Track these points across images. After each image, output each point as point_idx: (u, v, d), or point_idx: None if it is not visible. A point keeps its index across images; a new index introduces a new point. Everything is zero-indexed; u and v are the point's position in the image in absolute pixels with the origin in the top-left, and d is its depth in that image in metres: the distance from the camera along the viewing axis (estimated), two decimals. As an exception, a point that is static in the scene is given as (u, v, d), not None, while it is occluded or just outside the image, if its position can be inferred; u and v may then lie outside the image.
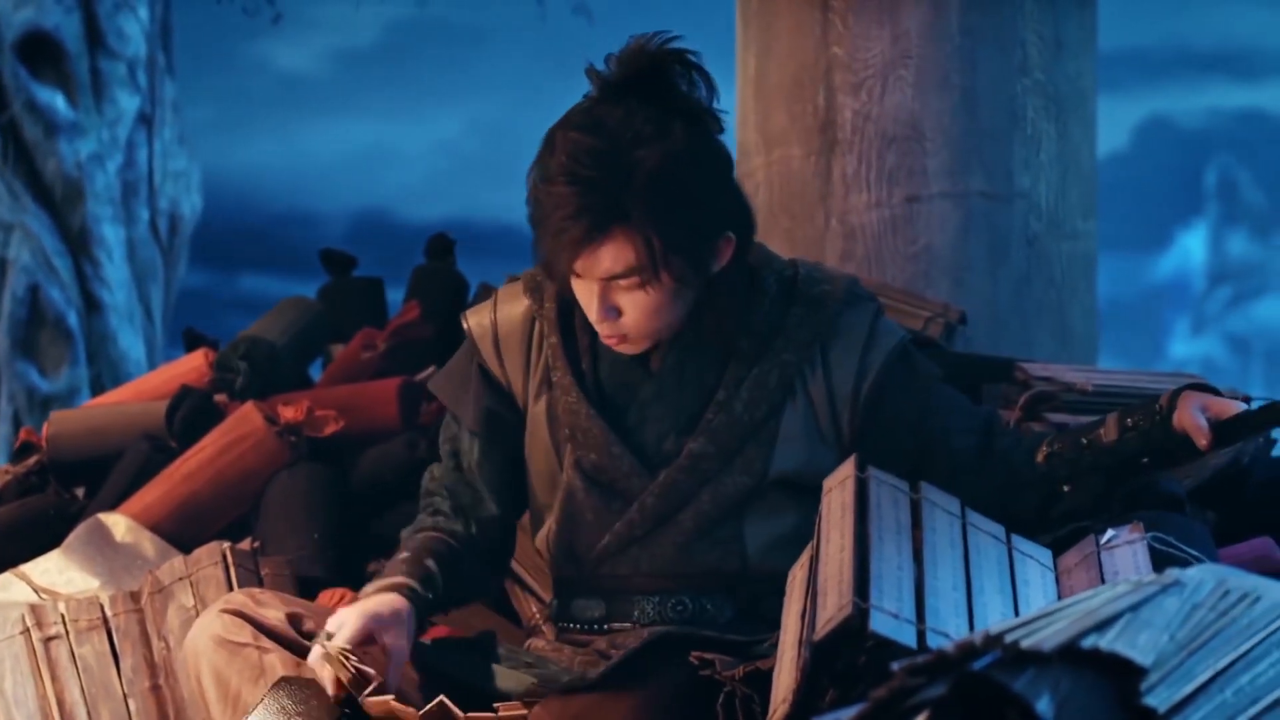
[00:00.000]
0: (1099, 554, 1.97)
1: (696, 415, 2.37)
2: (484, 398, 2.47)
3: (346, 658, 2.14)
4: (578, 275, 2.29)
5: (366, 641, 2.21)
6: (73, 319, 9.30)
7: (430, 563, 2.34)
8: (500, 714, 2.18)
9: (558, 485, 2.42)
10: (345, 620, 2.21)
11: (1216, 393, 2.34)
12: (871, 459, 2.03)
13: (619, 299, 2.29)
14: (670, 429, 2.38)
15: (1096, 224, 3.66)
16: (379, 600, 2.26)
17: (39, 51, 9.25)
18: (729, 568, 2.37)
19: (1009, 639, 1.40)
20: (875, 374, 2.37)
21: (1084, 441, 2.37)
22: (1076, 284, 3.58)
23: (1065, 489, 2.36)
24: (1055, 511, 2.38)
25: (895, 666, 1.43)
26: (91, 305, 9.38)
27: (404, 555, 2.36)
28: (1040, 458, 2.39)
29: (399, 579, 2.30)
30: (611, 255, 2.25)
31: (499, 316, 2.46)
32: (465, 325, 2.49)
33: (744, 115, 3.71)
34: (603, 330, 2.32)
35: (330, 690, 2.16)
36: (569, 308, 2.42)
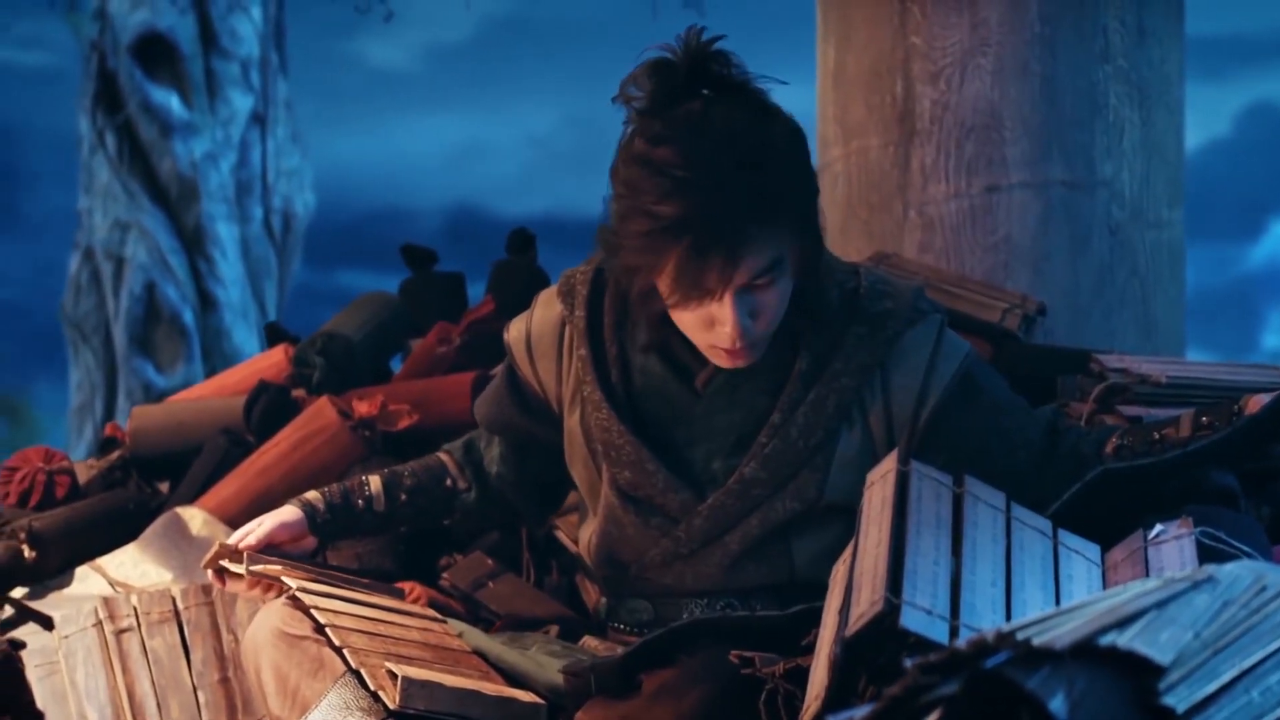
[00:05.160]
0: (1146, 549, 1.93)
1: (748, 437, 2.32)
2: (507, 406, 2.49)
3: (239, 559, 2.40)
4: (711, 294, 2.16)
5: (270, 545, 2.45)
6: (188, 316, 9.44)
7: (375, 486, 2.54)
8: None
9: (598, 495, 2.41)
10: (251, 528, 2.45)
11: None
12: None
13: (756, 301, 2.19)
14: (719, 449, 2.33)
15: (1183, 212, 3.59)
16: (282, 511, 2.49)
17: (154, 53, 9.41)
18: (776, 580, 2.35)
19: (1021, 636, 1.37)
20: (936, 400, 2.30)
21: (1155, 436, 2.33)
22: (1161, 274, 3.51)
23: None
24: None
25: (908, 663, 1.40)
26: (206, 302, 9.52)
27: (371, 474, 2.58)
28: (1109, 449, 2.35)
29: (310, 494, 2.52)
30: (756, 251, 2.15)
31: (533, 321, 2.44)
32: (505, 337, 2.48)
33: (823, 106, 3.68)
34: (735, 345, 2.21)
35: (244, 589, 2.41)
36: (599, 317, 2.37)
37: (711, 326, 2.21)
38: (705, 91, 2.21)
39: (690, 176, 2.13)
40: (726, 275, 2.15)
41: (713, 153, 2.14)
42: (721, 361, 2.27)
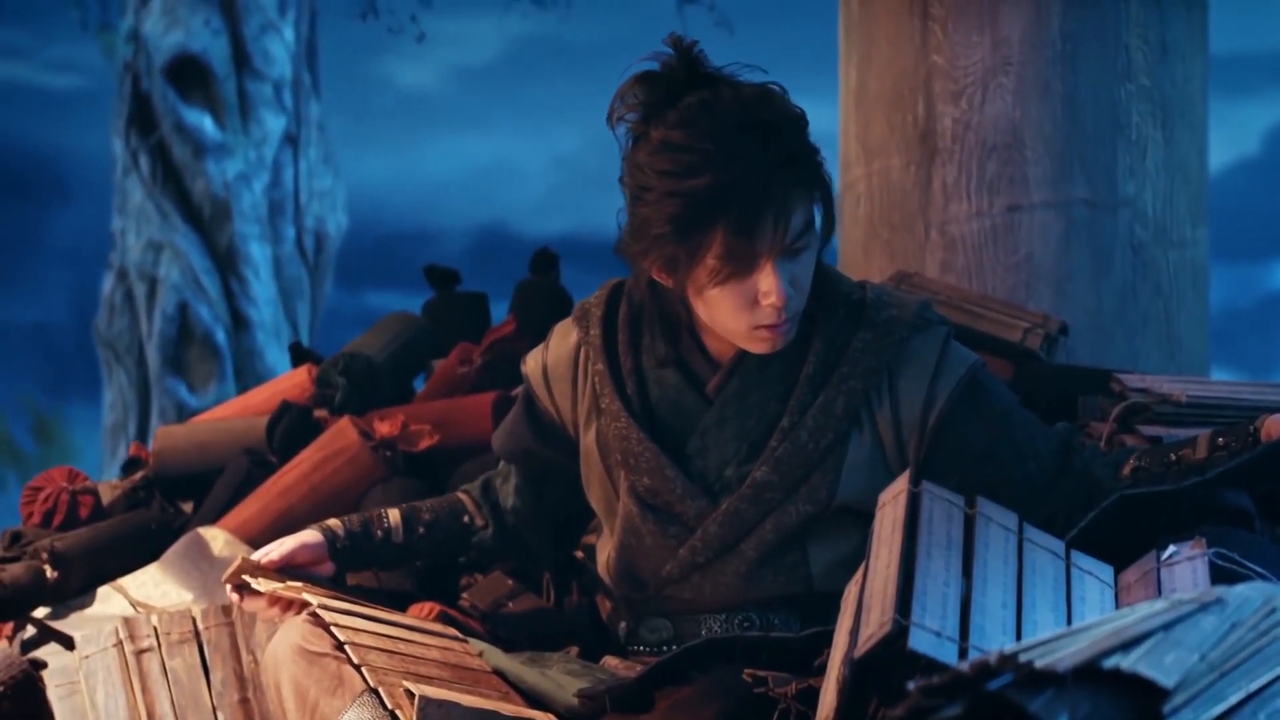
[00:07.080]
0: (1159, 571, 1.92)
1: (760, 442, 2.34)
2: (524, 435, 2.52)
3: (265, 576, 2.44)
4: (761, 261, 2.21)
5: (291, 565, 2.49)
6: (220, 336, 9.48)
7: (394, 518, 2.59)
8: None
9: (615, 513, 2.43)
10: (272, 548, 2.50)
11: None
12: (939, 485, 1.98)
13: (795, 266, 2.24)
14: (733, 456, 2.36)
15: (1207, 231, 3.57)
16: (304, 533, 2.54)
17: (187, 74, 9.46)
18: (794, 591, 2.36)
19: (1024, 658, 1.36)
20: (943, 403, 2.32)
21: (1172, 458, 2.33)
22: (1185, 293, 3.49)
23: None
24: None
25: (911, 685, 1.40)
26: (239, 322, 9.55)
27: (389, 509, 2.62)
28: (1126, 471, 2.35)
29: (331, 521, 2.56)
30: (796, 209, 2.21)
31: (549, 349, 2.49)
32: (523, 369, 2.52)
33: (845, 126, 3.68)
34: (781, 317, 2.26)
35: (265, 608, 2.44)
36: (614, 333, 2.41)
37: (754, 305, 2.24)
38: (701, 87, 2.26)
39: (717, 148, 2.18)
40: (778, 235, 2.20)
41: (732, 123, 2.20)
42: (762, 345, 2.29)
